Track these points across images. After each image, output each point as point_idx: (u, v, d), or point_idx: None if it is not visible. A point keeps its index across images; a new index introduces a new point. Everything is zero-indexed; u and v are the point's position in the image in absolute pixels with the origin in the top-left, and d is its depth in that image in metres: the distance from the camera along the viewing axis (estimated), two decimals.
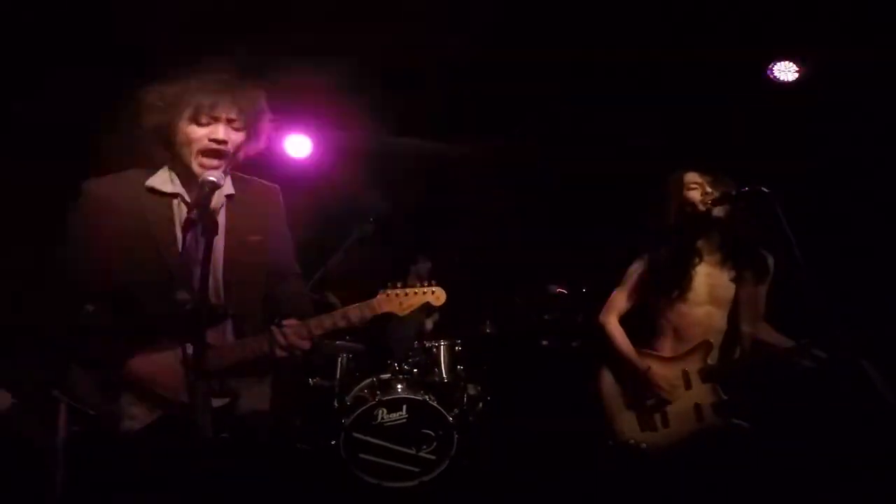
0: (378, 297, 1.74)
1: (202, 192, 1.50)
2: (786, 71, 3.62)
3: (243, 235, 1.71)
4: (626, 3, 3.24)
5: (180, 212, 1.64)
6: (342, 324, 1.69)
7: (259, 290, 1.77)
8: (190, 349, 1.29)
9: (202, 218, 1.40)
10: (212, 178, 1.52)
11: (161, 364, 1.56)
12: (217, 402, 1.60)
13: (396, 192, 4.75)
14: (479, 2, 3.25)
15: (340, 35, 3.37)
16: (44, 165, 3.08)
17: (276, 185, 1.87)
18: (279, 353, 1.62)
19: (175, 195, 1.65)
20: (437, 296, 1.78)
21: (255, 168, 1.86)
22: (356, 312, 1.71)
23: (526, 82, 3.95)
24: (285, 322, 1.65)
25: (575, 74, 3.78)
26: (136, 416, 1.55)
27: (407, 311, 1.76)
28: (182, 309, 1.28)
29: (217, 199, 1.67)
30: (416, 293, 1.76)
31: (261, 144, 1.75)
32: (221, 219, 1.68)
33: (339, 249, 3.91)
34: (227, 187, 1.72)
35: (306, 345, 1.64)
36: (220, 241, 1.65)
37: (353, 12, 3.24)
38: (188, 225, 1.43)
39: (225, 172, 1.67)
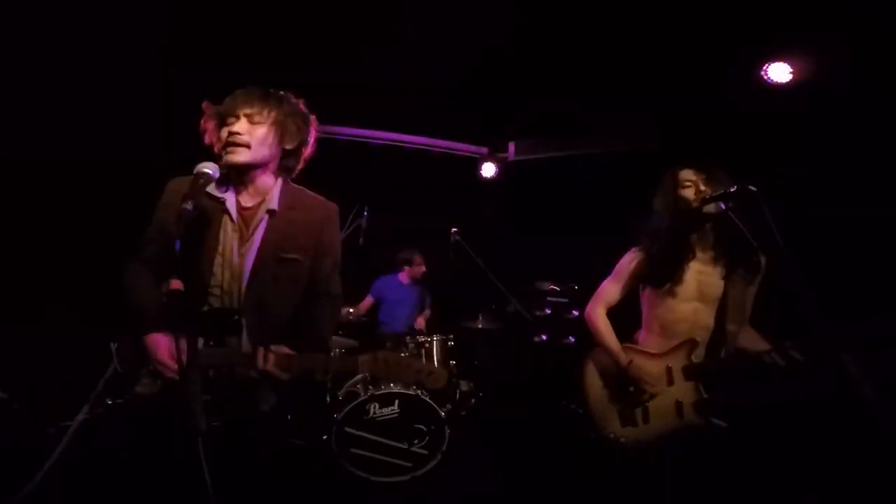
0: (363, 357, 1.67)
1: (196, 183, 1.53)
2: (780, 72, 3.64)
3: (279, 251, 1.77)
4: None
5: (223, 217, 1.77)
6: (320, 369, 1.71)
7: (286, 305, 1.80)
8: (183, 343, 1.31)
9: (196, 208, 1.41)
10: (206, 170, 1.56)
11: (162, 345, 1.62)
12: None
13: (391, 187, 4.78)
14: (473, 4, 3.26)
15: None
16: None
17: (334, 205, 1.92)
18: (253, 373, 1.65)
19: (222, 200, 1.76)
20: (434, 378, 1.64)
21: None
22: (338, 365, 1.74)
23: (521, 81, 3.97)
24: (273, 347, 1.68)
25: (569, 74, 3.80)
26: (147, 384, 1.64)
27: (391, 381, 1.74)
28: (174, 298, 1.29)
29: (259, 214, 1.78)
30: (408, 366, 1.64)
31: (293, 143, 1.82)
32: (259, 233, 1.77)
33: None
34: (272, 202, 1.80)
35: (284, 377, 1.66)
36: (251, 253, 1.74)
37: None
38: (182, 216, 1.46)
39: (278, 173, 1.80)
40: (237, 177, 1.77)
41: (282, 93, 1.82)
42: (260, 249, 1.75)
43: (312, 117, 1.89)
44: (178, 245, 1.37)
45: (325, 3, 3.21)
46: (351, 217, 4.15)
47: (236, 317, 1.70)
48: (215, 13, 3.17)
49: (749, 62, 3.64)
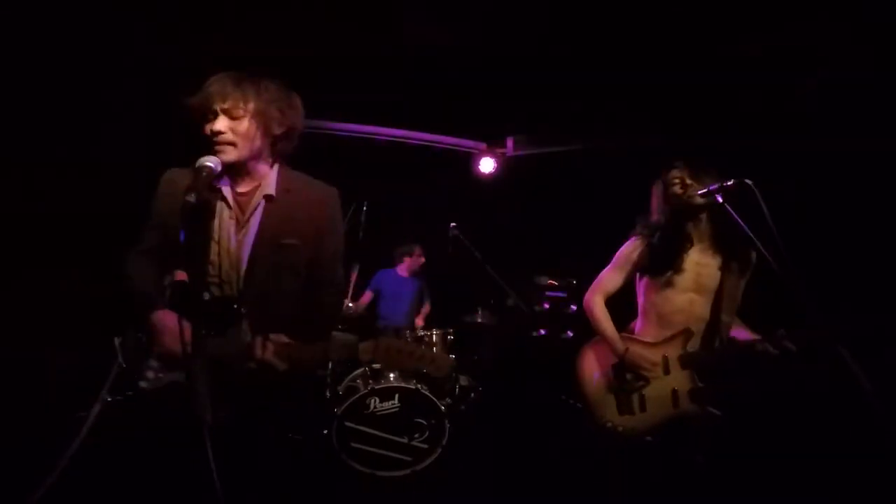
0: (364, 344, 1.65)
1: (198, 176, 1.54)
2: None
3: (277, 237, 1.73)
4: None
5: (218, 202, 1.74)
6: (320, 357, 1.70)
7: (287, 292, 1.76)
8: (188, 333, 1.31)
9: (199, 201, 1.41)
10: (209, 164, 1.56)
11: (174, 322, 1.59)
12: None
13: (389, 182, 4.78)
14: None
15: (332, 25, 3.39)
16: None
17: (334, 189, 1.86)
18: (251, 364, 1.63)
19: (217, 188, 1.74)
20: (437, 366, 1.63)
21: None
22: (337, 354, 1.69)
23: (519, 76, 3.97)
24: (272, 336, 1.65)
25: (567, 69, 3.80)
26: (151, 380, 1.62)
27: (394, 369, 1.71)
28: (179, 289, 1.29)
29: (255, 199, 1.75)
30: (410, 354, 1.62)
31: (280, 129, 1.76)
32: (256, 218, 1.74)
33: None
34: (269, 187, 1.77)
35: (282, 366, 1.63)
36: (249, 239, 1.71)
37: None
38: (186, 208, 1.45)
39: (273, 165, 1.76)
40: (231, 168, 1.72)
41: (257, 78, 1.73)
42: (258, 235, 1.71)
43: (295, 96, 1.81)
44: (182, 236, 1.37)
45: None
46: (350, 212, 4.16)
47: (235, 305, 1.67)
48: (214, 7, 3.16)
49: (750, 57, 3.64)
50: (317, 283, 1.82)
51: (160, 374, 1.63)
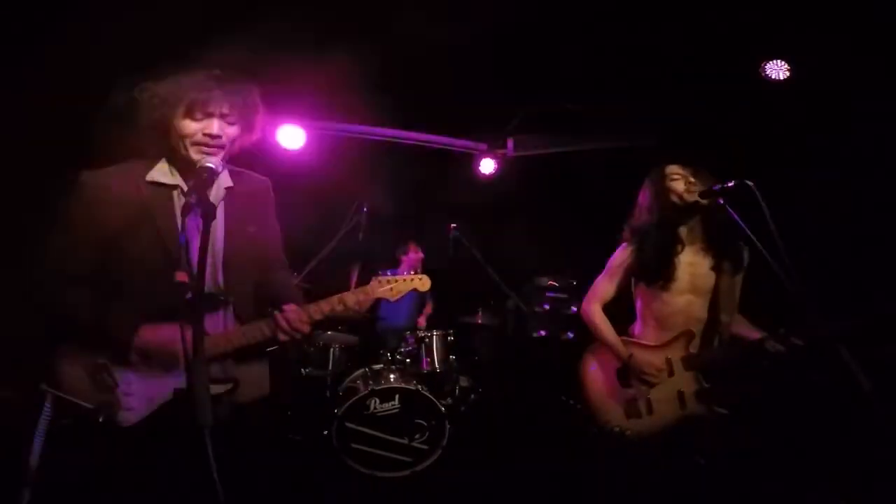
0: (371, 283, 1.91)
1: (200, 177, 1.55)
2: (777, 70, 3.64)
3: (241, 226, 1.76)
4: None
5: (180, 201, 1.67)
6: (339, 308, 1.80)
7: (253, 279, 1.82)
8: (188, 334, 1.31)
9: (200, 202, 1.41)
10: (209, 165, 1.57)
11: (169, 331, 1.58)
12: (219, 389, 1.65)
13: (390, 183, 4.78)
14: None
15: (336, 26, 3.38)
16: (32, 157, 3.04)
17: (267, 179, 1.93)
18: (282, 336, 1.71)
19: (175, 186, 1.69)
20: (423, 282, 2.00)
21: (250, 159, 1.90)
22: (353, 297, 1.84)
23: (520, 77, 3.98)
24: (285, 307, 1.72)
25: (567, 70, 3.81)
26: (134, 407, 1.58)
27: (397, 297, 1.95)
28: (181, 290, 1.29)
29: (217, 192, 1.73)
30: (404, 280, 1.97)
31: (254, 136, 1.79)
32: (221, 210, 1.74)
33: (332, 239, 3.96)
34: (227, 180, 1.77)
35: (307, 328, 1.74)
36: (219, 231, 1.72)
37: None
38: (187, 209, 1.46)
39: (223, 164, 1.73)
40: (189, 166, 1.67)
41: (249, 81, 1.72)
42: (227, 226, 1.73)
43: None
44: (182, 239, 1.37)
45: None
46: (350, 213, 4.17)
47: (222, 297, 1.70)
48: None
49: (747, 59, 3.65)
50: (272, 266, 1.89)
51: (147, 402, 1.59)
